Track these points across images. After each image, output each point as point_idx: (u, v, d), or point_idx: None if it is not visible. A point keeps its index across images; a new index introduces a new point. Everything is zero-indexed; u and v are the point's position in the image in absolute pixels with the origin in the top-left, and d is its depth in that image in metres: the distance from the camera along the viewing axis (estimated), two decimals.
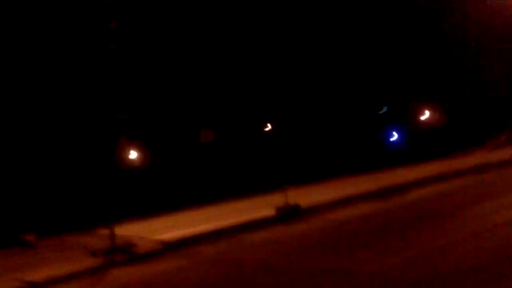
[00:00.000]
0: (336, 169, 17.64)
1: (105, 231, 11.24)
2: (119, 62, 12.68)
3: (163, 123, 17.19)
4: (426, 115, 30.25)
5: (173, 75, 17.28)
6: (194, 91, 17.70)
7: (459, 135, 22.14)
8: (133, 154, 14.72)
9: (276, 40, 19.90)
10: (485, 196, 13.10)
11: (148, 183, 15.58)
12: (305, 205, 13.53)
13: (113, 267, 10.29)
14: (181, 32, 17.51)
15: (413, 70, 25.44)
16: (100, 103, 13.16)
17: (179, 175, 16.35)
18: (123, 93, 12.83)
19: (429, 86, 25.21)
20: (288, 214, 13.00)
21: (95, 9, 13.33)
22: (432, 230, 10.34)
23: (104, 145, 12.89)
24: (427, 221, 11.21)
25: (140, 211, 14.01)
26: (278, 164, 15.04)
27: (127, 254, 10.76)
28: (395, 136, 25.04)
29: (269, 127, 17.48)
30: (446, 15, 25.06)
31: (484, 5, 23.78)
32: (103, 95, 12.77)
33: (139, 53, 16.11)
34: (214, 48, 18.17)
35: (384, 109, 38.32)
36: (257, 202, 14.38)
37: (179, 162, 16.82)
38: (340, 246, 10.18)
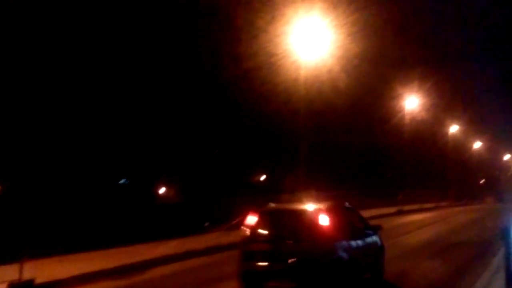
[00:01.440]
0: (81, 242, 17.21)
1: None
2: None
3: None
4: (166, 191, 31.37)
5: None
6: None
7: (198, 215, 23.50)
8: None
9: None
10: (220, 277, 14.03)
11: None
12: (42, 280, 12.87)
13: None
14: None
15: (161, 151, 26.69)
16: None
17: None
18: None
19: (173, 168, 26.62)
20: None
21: None
22: None
23: None
24: None
25: None
26: (18, 233, 14.04)
27: None
28: (134, 209, 25.50)
29: None
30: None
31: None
32: None
33: None
34: None
35: (124, 181, 38.83)
36: None
37: None
38: None
